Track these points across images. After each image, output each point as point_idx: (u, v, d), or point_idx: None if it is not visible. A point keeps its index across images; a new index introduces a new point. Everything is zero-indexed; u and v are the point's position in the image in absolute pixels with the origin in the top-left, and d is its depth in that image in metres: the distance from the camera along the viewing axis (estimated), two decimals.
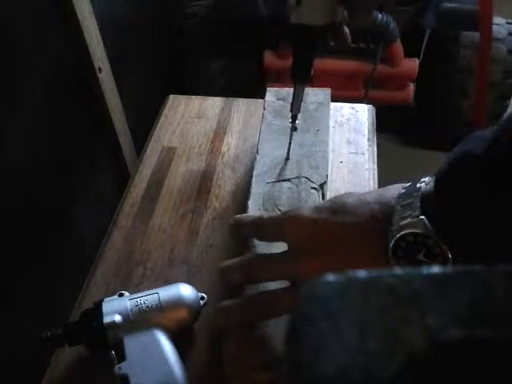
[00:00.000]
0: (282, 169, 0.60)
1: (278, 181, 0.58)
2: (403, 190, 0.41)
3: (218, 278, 0.50)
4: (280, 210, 0.55)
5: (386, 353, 0.16)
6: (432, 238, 0.37)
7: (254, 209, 0.55)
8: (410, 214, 0.38)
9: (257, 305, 0.45)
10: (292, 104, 0.57)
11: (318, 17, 0.47)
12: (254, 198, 0.57)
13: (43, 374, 0.50)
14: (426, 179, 0.40)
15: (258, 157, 0.61)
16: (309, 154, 0.61)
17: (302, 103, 0.57)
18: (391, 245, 0.38)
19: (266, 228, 0.48)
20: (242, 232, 0.51)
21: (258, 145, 0.63)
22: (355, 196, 0.44)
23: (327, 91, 0.69)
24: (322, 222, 0.43)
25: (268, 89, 0.69)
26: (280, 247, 0.47)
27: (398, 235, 0.38)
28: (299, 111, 0.57)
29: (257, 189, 0.58)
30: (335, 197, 0.46)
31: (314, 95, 0.67)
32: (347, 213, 0.42)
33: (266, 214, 0.51)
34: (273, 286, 0.47)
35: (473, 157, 0.36)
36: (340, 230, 0.42)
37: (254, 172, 0.60)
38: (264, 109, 0.67)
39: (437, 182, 0.39)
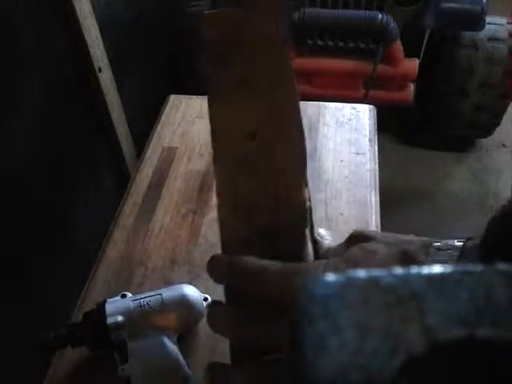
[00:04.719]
0: None
1: None
2: (436, 244, 0.37)
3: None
4: None
5: (385, 353, 0.16)
6: None
7: None
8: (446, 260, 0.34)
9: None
10: None
11: None
12: None
13: (45, 375, 0.50)
14: (461, 239, 0.36)
15: None
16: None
17: None
18: None
19: (258, 285, 0.46)
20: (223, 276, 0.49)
21: None
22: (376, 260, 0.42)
23: None
24: None
25: None
26: None
27: None
28: None
29: None
30: (353, 254, 0.44)
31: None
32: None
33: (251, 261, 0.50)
34: None
35: None
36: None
37: None
38: None
39: (485, 238, 0.34)
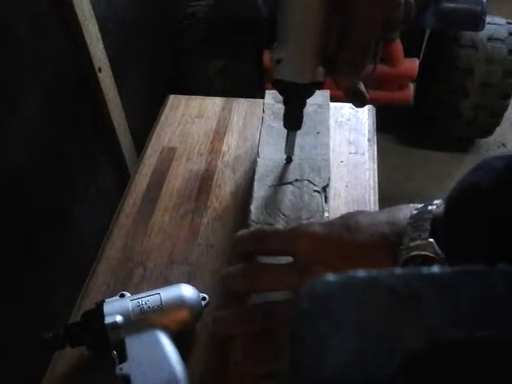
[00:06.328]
0: (284, 172, 0.59)
1: (280, 184, 0.58)
2: (415, 212, 0.41)
3: (220, 281, 0.50)
4: (284, 214, 0.54)
5: (385, 352, 0.16)
6: (440, 261, 0.37)
7: (256, 213, 0.55)
8: (420, 236, 0.38)
9: (255, 317, 0.45)
10: (286, 146, 0.58)
11: (298, 75, 0.48)
12: (257, 202, 0.56)
13: (43, 375, 0.50)
14: (438, 202, 0.40)
15: (259, 160, 0.61)
16: (310, 157, 0.60)
17: None
18: (399, 265, 0.39)
19: (272, 241, 0.48)
20: (244, 246, 0.51)
21: (258, 148, 0.63)
22: (368, 215, 0.45)
23: (326, 93, 0.68)
24: (334, 238, 0.43)
25: (267, 92, 0.69)
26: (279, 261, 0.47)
27: (406, 256, 0.38)
28: (292, 153, 0.59)
29: (259, 193, 0.57)
30: (348, 213, 0.47)
31: (313, 97, 0.67)
32: (359, 231, 0.43)
33: (267, 228, 0.52)
34: (275, 295, 0.46)
35: (481, 188, 0.36)
36: (351, 247, 0.42)
37: (256, 176, 0.59)
38: (263, 112, 0.66)
39: (447, 209, 0.39)
